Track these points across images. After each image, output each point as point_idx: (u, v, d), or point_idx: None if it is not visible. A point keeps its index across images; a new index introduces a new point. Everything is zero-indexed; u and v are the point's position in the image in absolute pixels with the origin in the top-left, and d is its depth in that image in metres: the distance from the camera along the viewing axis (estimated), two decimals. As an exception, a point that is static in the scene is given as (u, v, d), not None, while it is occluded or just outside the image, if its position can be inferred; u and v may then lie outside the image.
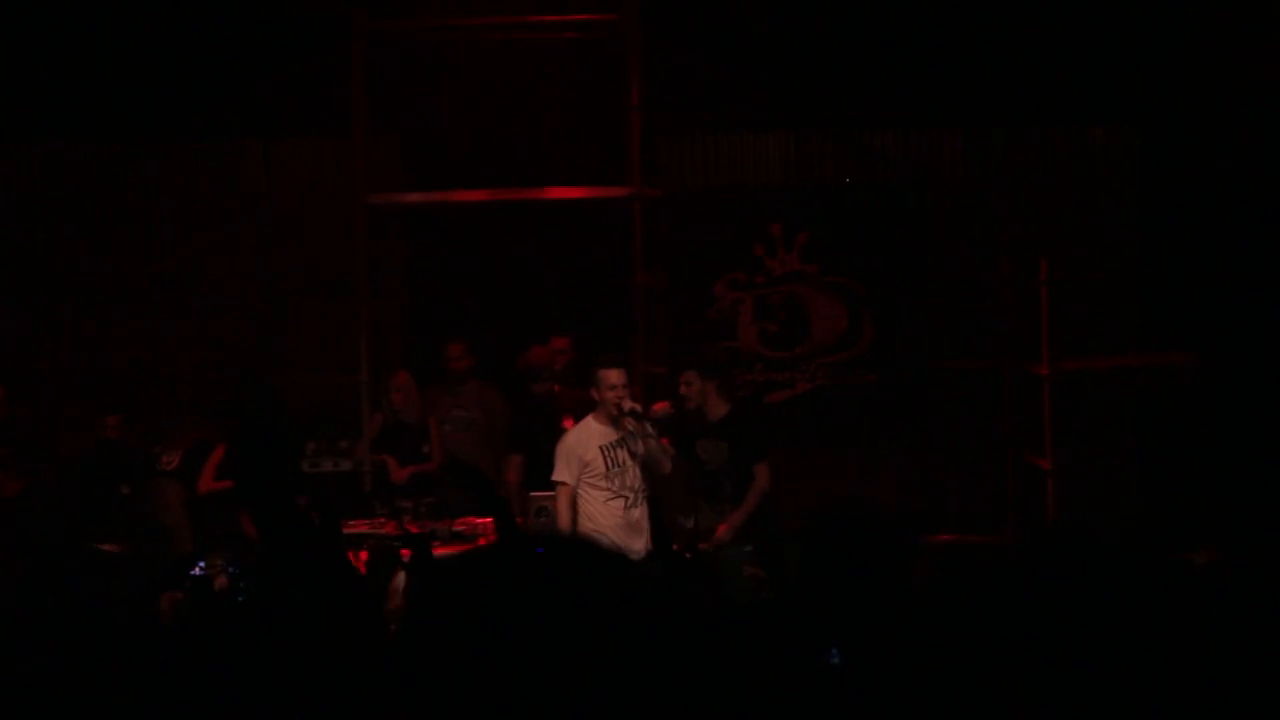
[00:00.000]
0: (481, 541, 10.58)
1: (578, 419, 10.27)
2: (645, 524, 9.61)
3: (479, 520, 10.76)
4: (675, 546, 9.10)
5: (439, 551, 10.06)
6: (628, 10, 11.77)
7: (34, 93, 11.93)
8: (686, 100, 12.28)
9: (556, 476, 9.63)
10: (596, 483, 9.63)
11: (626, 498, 9.70)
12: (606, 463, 9.64)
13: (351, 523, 10.94)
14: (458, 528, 10.77)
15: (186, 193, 12.93)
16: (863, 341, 12.19)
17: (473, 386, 12.06)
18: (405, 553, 9.67)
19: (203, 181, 12.96)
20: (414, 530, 10.73)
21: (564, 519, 9.68)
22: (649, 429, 9.86)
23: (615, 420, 9.67)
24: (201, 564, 9.77)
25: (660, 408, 10.58)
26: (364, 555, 10.41)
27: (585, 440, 9.67)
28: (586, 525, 9.90)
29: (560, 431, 10.35)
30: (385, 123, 12.27)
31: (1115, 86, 12.05)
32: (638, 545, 9.56)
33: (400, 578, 9.42)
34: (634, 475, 9.73)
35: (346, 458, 11.76)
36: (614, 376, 9.72)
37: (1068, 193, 12.62)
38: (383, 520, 11.20)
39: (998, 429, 12.33)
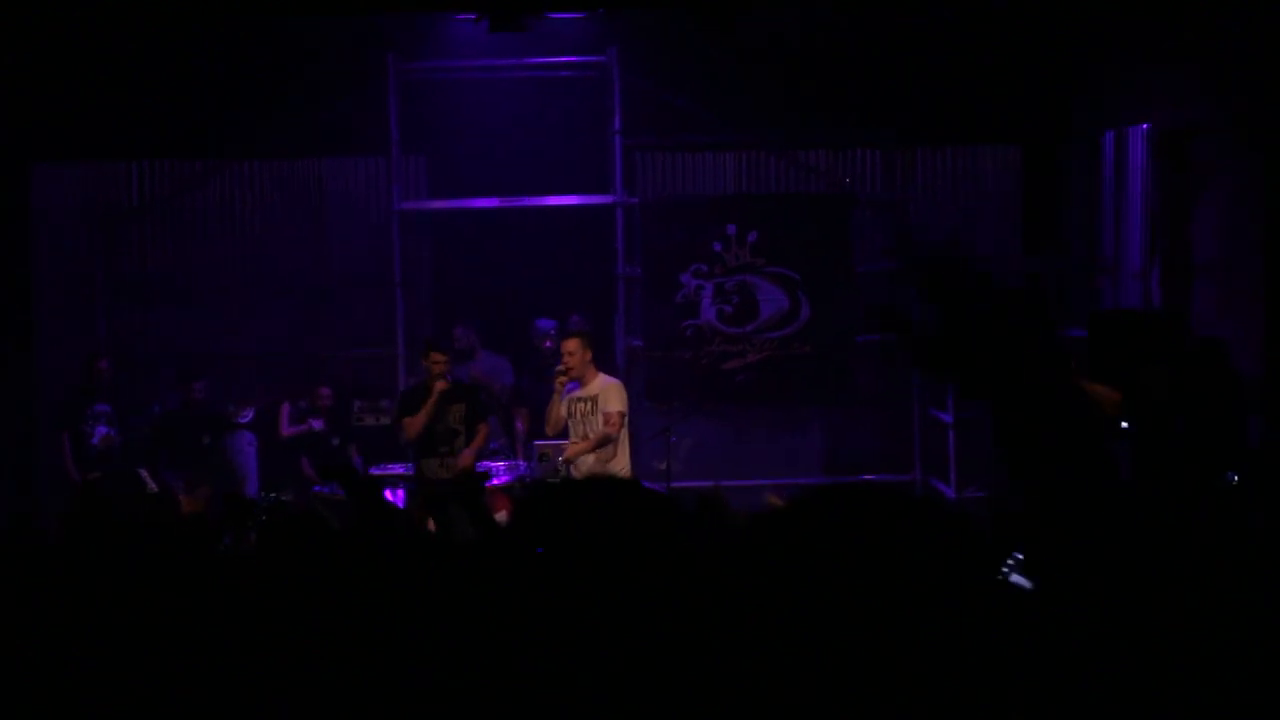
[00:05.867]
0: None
1: None
2: (602, 470, 10.17)
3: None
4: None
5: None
6: (611, 53, 12.98)
7: (140, 120, 12.85)
8: (658, 126, 13.26)
9: None
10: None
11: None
12: (569, 414, 10.60)
13: (388, 466, 12.33)
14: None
15: (256, 202, 14.07)
16: (800, 320, 13.27)
17: (482, 356, 13.29)
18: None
19: (268, 193, 14.07)
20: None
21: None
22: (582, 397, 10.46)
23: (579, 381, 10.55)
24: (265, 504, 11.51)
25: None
26: (400, 492, 11.89)
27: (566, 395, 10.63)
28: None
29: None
30: (414, 144, 13.46)
31: (1002, 116, 12.98)
32: None
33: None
34: (587, 428, 10.47)
35: (385, 414, 13.13)
36: (563, 344, 10.67)
37: (963, 198, 13.83)
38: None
39: (907, 389, 13.71)
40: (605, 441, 10.44)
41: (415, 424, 11.27)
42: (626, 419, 10.60)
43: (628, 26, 12.96)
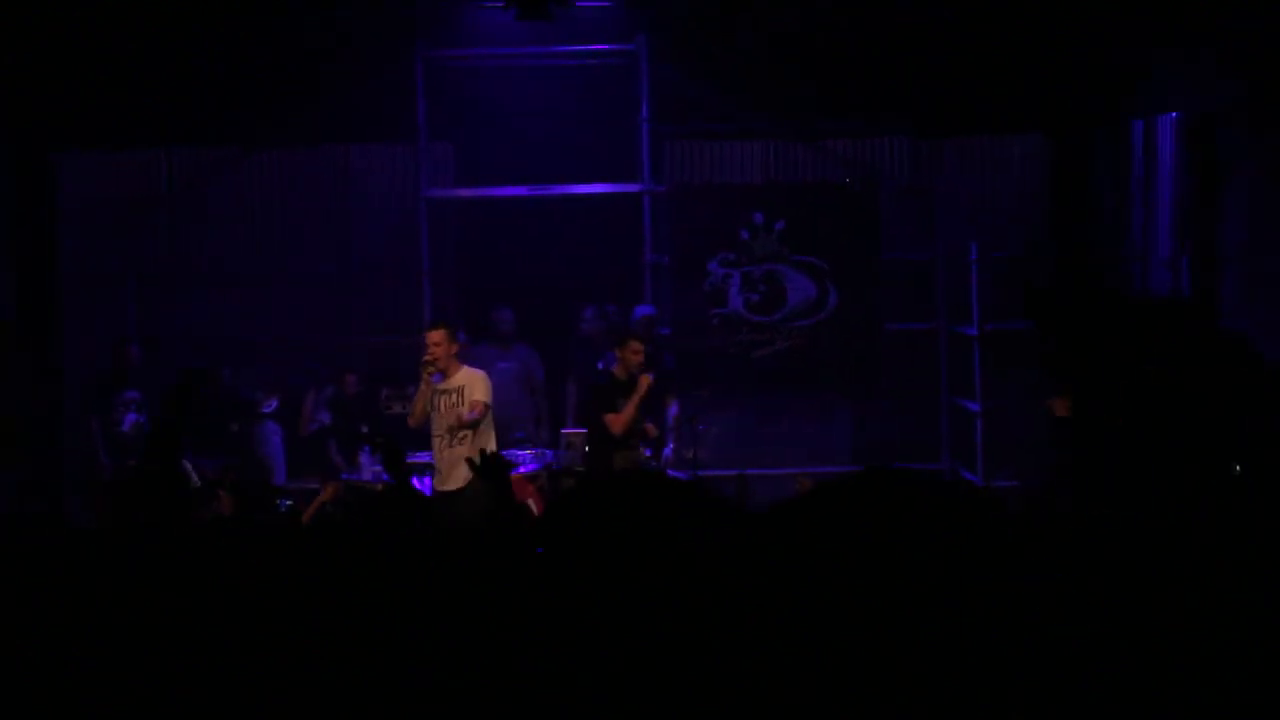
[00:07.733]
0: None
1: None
2: (461, 465, 9.80)
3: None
4: None
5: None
6: (639, 41, 13.02)
7: (167, 108, 12.75)
8: (685, 114, 13.22)
9: None
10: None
11: (441, 438, 10.56)
12: (432, 407, 10.58)
13: (416, 454, 11.81)
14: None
15: (283, 189, 14.07)
16: (828, 308, 13.29)
17: (516, 346, 13.21)
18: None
19: (295, 180, 14.07)
20: None
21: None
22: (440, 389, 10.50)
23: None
24: (287, 501, 11.53)
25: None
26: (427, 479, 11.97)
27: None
28: None
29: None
30: (442, 131, 13.45)
31: (1030, 106, 12.81)
32: (450, 482, 10.28)
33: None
34: (445, 420, 10.47)
35: (412, 401, 12.50)
36: (428, 335, 10.74)
37: (990, 189, 13.79)
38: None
39: (935, 378, 13.79)
40: (464, 427, 10.35)
41: (621, 420, 11.14)
42: (490, 410, 10.56)
43: (655, 14, 12.94)
